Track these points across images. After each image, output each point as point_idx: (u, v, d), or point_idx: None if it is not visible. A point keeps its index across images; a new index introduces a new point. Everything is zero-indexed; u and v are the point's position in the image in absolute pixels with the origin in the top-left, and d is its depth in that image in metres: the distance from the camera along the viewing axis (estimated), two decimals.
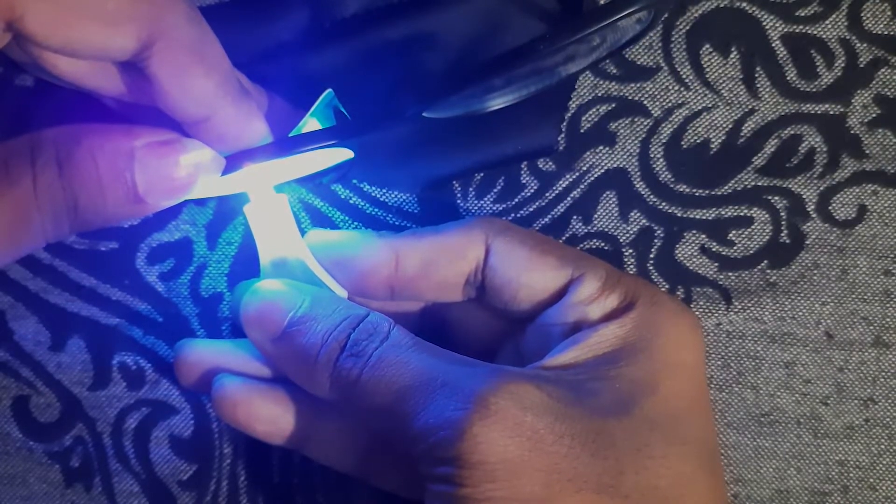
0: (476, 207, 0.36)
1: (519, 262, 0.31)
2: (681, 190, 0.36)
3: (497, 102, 0.30)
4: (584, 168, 0.36)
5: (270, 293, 0.30)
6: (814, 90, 0.36)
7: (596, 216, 0.36)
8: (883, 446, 0.37)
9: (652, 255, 0.36)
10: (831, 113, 0.36)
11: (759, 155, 0.36)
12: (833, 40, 0.36)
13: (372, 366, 0.28)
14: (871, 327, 0.36)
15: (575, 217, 0.36)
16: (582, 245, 0.36)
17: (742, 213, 0.36)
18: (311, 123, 0.29)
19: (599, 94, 0.35)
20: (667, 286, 0.36)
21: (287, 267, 0.31)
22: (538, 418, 0.27)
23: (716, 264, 0.36)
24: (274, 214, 0.31)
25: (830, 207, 0.36)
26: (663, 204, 0.36)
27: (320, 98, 0.29)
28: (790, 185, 0.36)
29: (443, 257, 0.32)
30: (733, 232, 0.36)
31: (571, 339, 0.31)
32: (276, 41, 0.32)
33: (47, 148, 0.25)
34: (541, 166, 0.36)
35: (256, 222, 0.31)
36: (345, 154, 0.31)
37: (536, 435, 0.27)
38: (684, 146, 0.36)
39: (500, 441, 0.26)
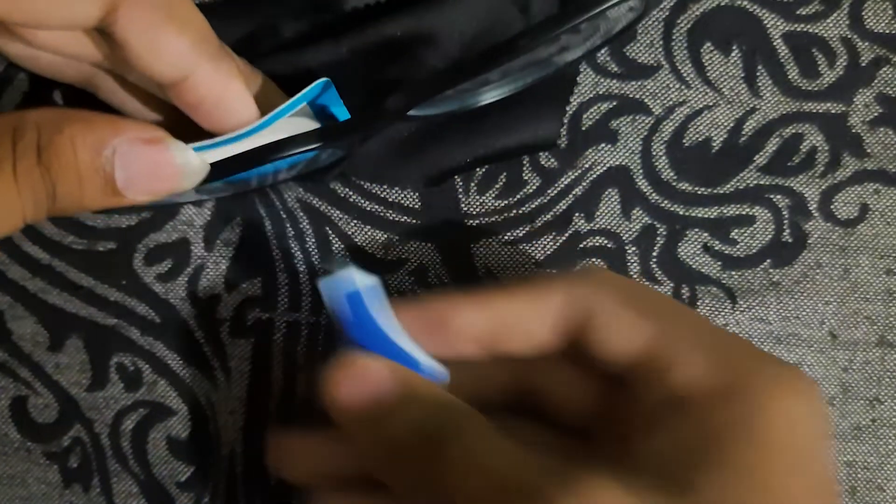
0: (477, 203, 0.36)
1: (618, 324, 0.28)
2: (683, 188, 0.36)
3: (492, 95, 0.30)
4: (587, 165, 0.36)
5: (364, 367, 0.28)
6: (815, 89, 0.36)
7: (598, 213, 0.36)
8: (891, 447, 0.36)
9: (655, 254, 0.36)
10: (833, 112, 0.36)
11: (761, 154, 0.36)
12: (835, 39, 0.36)
13: (447, 469, 0.25)
14: (875, 327, 0.36)
15: (577, 214, 0.36)
16: (585, 242, 0.36)
17: (744, 212, 0.36)
18: (301, 110, 0.29)
19: (600, 92, 0.35)
20: (671, 285, 0.36)
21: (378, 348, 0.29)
22: None
23: (719, 263, 0.36)
24: (369, 300, 0.28)
25: (832, 206, 0.36)
26: (665, 202, 0.36)
27: (314, 84, 0.28)
28: (792, 184, 0.36)
29: (533, 312, 0.29)
30: (735, 230, 0.36)
31: (672, 418, 0.27)
32: (276, 34, 0.31)
33: (29, 131, 0.25)
34: (543, 163, 0.36)
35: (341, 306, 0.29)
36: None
37: None
38: (686, 144, 0.36)
39: None
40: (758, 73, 0.35)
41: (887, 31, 0.36)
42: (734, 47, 0.35)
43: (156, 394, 0.36)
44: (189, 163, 0.26)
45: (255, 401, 0.36)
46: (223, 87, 0.27)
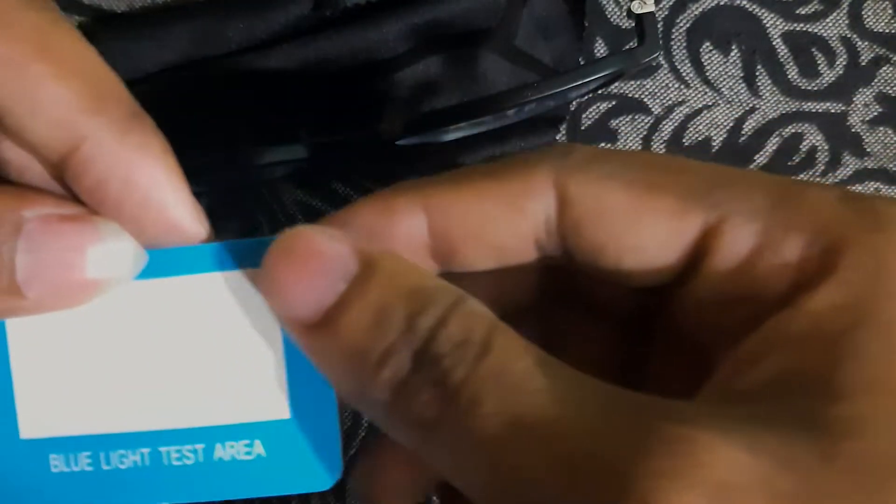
0: None
1: (615, 212, 0.19)
2: None
3: (454, 135, 0.31)
4: None
5: (314, 239, 0.18)
6: (815, 88, 0.36)
7: None
8: None
9: None
10: (832, 111, 0.36)
11: (761, 153, 0.36)
12: (834, 38, 0.36)
13: (463, 398, 0.16)
14: None
15: None
16: None
17: None
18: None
19: (599, 92, 0.35)
20: None
21: None
22: None
23: None
24: None
25: None
26: None
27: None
28: None
29: (490, 214, 0.20)
30: None
31: (760, 334, 0.18)
32: (275, 29, 0.31)
33: None
34: None
35: None
36: None
37: None
38: (686, 144, 0.36)
39: None
40: (757, 73, 0.35)
41: (887, 31, 0.36)
42: (733, 47, 0.35)
43: None
44: (121, 250, 0.19)
45: None
46: (132, 165, 0.18)
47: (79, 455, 0.20)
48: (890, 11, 0.36)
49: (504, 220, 0.20)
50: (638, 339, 0.22)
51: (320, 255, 0.18)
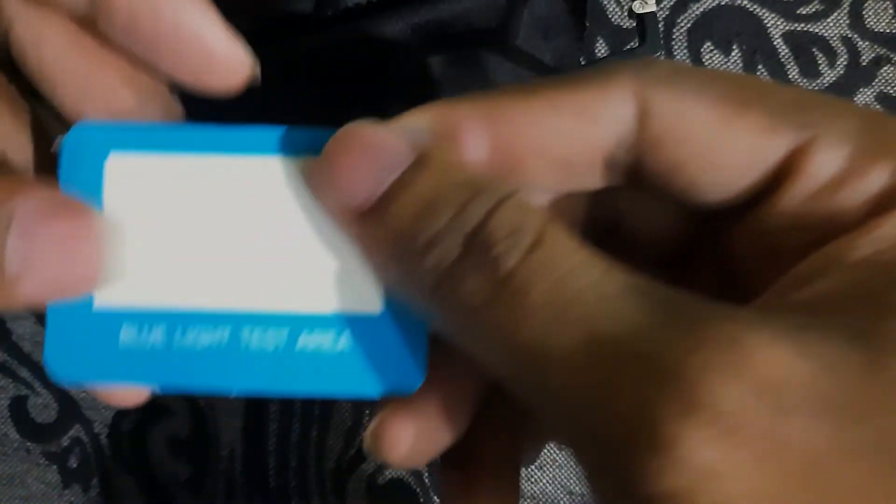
0: None
1: (700, 127, 0.18)
2: None
3: None
4: None
5: (371, 130, 0.18)
6: (816, 88, 0.36)
7: None
8: None
9: None
10: None
11: None
12: (835, 38, 0.36)
13: (512, 285, 0.16)
14: None
15: None
16: None
17: None
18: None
19: None
20: None
21: None
22: (810, 428, 0.14)
23: None
24: None
25: None
26: None
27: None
28: None
29: (562, 124, 0.19)
30: None
31: (821, 255, 0.18)
32: (275, 28, 0.31)
33: None
34: None
35: None
36: None
37: (814, 461, 0.14)
38: None
39: (753, 475, 0.14)
40: (758, 73, 0.35)
41: (888, 31, 0.36)
42: (734, 47, 0.35)
43: (155, 394, 0.36)
44: (115, 241, 0.19)
45: (254, 402, 0.36)
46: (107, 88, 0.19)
47: (152, 329, 0.19)
48: (891, 11, 0.35)
49: (577, 130, 0.19)
50: (674, 276, 0.22)
51: (376, 145, 0.18)
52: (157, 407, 0.36)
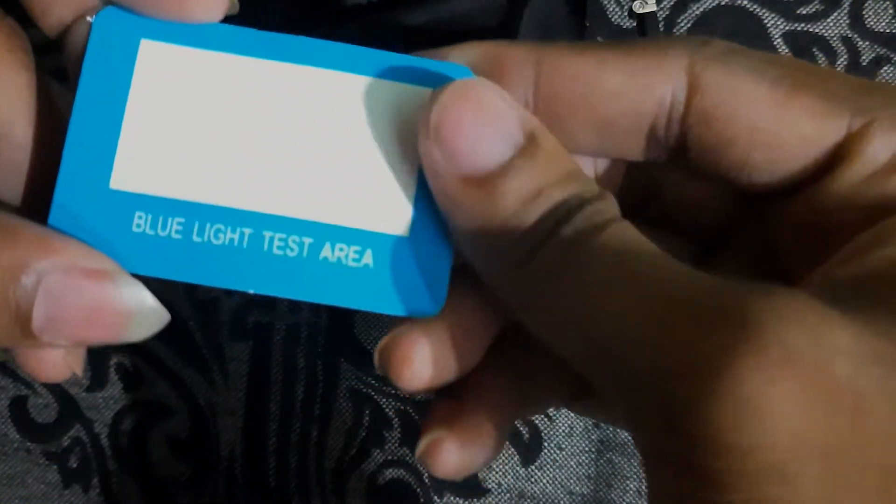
0: None
1: (755, 106, 0.19)
2: None
3: None
4: None
5: (490, 97, 0.18)
6: None
7: None
8: None
9: None
10: None
11: None
12: (835, 38, 0.36)
13: (586, 260, 0.17)
14: None
15: None
16: None
17: None
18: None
19: None
20: None
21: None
22: (860, 372, 0.14)
23: None
24: None
25: None
26: None
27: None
28: None
29: (611, 83, 0.19)
30: None
31: (871, 233, 0.18)
32: (273, 27, 0.31)
33: None
34: None
35: None
36: None
37: (862, 403, 0.14)
38: None
39: (800, 411, 0.14)
40: None
41: (888, 31, 0.36)
42: None
43: (155, 394, 0.36)
44: (143, 307, 0.19)
45: (254, 402, 0.36)
46: None
47: (169, 220, 0.19)
48: (891, 11, 0.35)
49: (626, 93, 0.19)
50: (707, 252, 0.22)
51: (494, 113, 0.18)
52: (157, 407, 0.36)
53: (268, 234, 0.19)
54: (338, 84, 0.19)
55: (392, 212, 0.19)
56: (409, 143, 0.19)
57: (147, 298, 0.19)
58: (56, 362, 0.20)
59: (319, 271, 0.19)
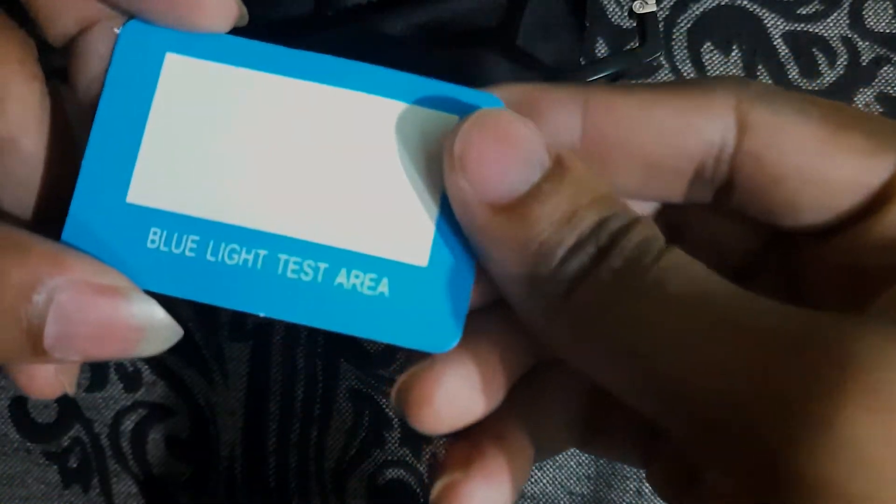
0: None
1: (803, 144, 0.18)
2: None
3: None
4: None
5: (513, 124, 0.18)
6: (815, 88, 0.36)
7: None
8: None
9: None
10: None
11: None
12: (835, 38, 0.36)
13: (648, 278, 0.17)
14: None
15: None
16: None
17: None
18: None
19: None
20: None
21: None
22: None
23: None
24: None
25: None
26: None
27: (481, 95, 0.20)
28: None
29: (660, 124, 0.19)
30: None
31: None
32: (275, 28, 0.31)
33: None
34: None
35: None
36: None
37: None
38: None
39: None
40: (758, 73, 0.35)
41: (888, 31, 0.36)
42: (734, 47, 0.35)
43: (155, 394, 0.36)
44: (155, 323, 0.18)
45: (254, 402, 0.36)
46: None
47: (184, 237, 0.18)
48: (891, 11, 0.35)
49: (675, 133, 0.19)
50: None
51: (518, 140, 0.18)
52: (157, 407, 0.36)
53: (283, 257, 0.18)
54: (364, 107, 0.19)
55: (411, 241, 0.19)
56: (433, 171, 0.19)
57: (159, 314, 0.18)
58: (48, 379, 0.20)
59: (333, 298, 0.18)
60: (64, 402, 0.36)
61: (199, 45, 0.19)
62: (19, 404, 0.36)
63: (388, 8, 0.31)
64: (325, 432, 0.36)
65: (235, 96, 0.19)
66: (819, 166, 0.18)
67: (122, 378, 0.36)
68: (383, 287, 0.19)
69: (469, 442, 0.21)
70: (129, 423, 0.36)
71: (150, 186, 0.19)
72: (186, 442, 0.36)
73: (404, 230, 0.19)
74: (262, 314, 0.19)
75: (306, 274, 0.18)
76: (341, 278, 0.18)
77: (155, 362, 0.36)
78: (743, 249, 0.22)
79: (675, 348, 0.16)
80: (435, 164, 0.18)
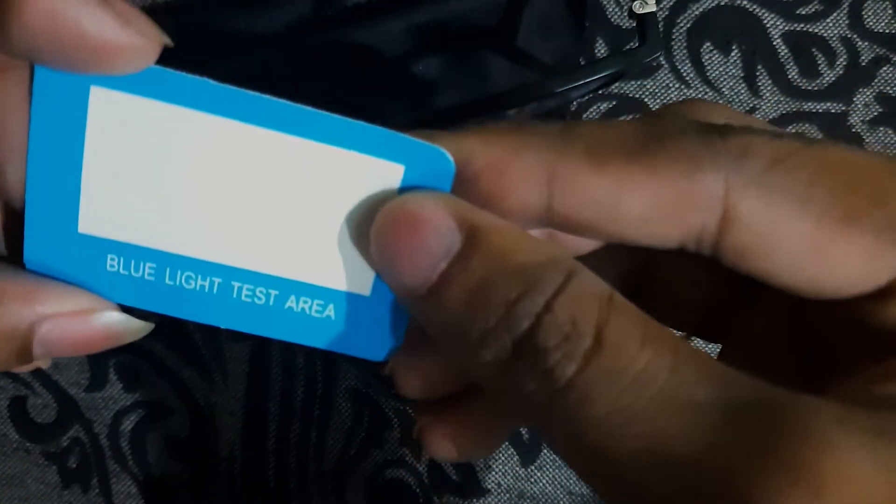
0: None
1: (798, 243, 0.17)
2: None
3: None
4: None
5: (419, 210, 0.18)
6: (815, 88, 0.36)
7: None
8: None
9: None
10: (833, 111, 0.36)
11: None
12: (834, 38, 0.36)
13: (572, 396, 0.16)
14: None
15: None
16: None
17: None
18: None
19: (600, 92, 0.35)
20: None
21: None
22: None
23: None
24: None
25: None
26: None
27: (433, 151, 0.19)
28: None
29: (633, 211, 0.18)
30: None
31: None
32: (275, 28, 0.31)
33: None
34: None
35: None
36: None
37: None
38: None
39: None
40: (757, 73, 0.35)
41: (887, 31, 0.36)
42: (734, 47, 0.35)
43: (155, 394, 0.36)
44: (130, 327, 0.20)
45: (254, 402, 0.36)
46: None
47: (141, 264, 0.19)
48: (890, 11, 0.35)
49: (651, 221, 0.17)
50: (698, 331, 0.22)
51: (426, 227, 0.17)
52: (156, 407, 0.36)
53: (236, 284, 0.20)
54: (308, 152, 0.19)
55: (355, 274, 0.20)
56: (374, 215, 0.19)
57: (132, 320, 0.20)
58: None
59: (285, 317, 0.20)
60: (63, 402, 0.36)
61: (123, 78, 0.18)
62: (19, 404, 0.36)
63: (388, 8, 0.31)
64: (324, 432, 0.36)
65: (169, 133, 0.18)
66: (815, 263, 0.17)
67: (121, 378, 0.36)
68: (329, 312, 0.20)
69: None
70: (128, 424, 0.36)
71: (99, 217, 0.19)
72: (186, 442, 0.36)
73: (348, 265, 0.19)
74: (222, 326, 0.20)
75: (259, 299, 0.20)
76: (291, 303, 0.20)
77: (155, 362, 0.36)
78: (717, 296, 0.21)
79: (602, 465, 0.16)
80: (377, 209, 0.19)
